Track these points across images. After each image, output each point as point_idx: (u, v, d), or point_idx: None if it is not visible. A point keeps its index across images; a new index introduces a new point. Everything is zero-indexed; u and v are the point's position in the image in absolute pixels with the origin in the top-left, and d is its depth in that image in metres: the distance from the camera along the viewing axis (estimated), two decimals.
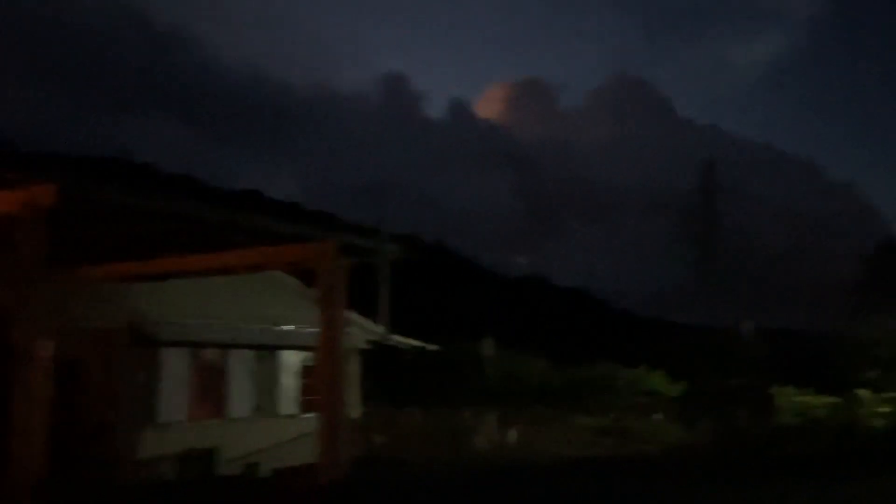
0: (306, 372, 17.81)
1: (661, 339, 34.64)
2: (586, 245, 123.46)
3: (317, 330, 10.89)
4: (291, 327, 17.75)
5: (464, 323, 37.20)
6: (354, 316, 20.31)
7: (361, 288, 23.21)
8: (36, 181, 7.64)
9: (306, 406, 17.54)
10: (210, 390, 16.60)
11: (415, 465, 18.49)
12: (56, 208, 7.86)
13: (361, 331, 20.64)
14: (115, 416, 14.81)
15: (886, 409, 18.92)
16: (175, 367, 15.74)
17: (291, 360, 18.02)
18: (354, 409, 19.94)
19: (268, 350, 17.63)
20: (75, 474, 13.66)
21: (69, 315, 13.87)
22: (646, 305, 75.03)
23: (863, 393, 19.81)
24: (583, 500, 12.05)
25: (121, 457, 14.58)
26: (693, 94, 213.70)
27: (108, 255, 11.69)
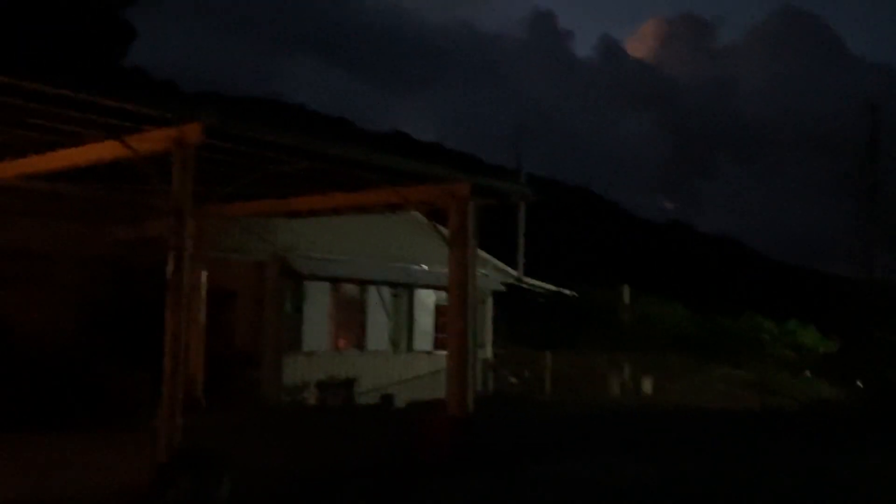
0: (440, 311, 18.18)
1: (815, 290, 32.61)
2: (738, 188, 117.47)
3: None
4: (426, 267, 18.13)
5: (603, 268, 36.61)
6: (489, 258, 20.44)
7: (499, 230, 23.29)
8: (185, 119, 8.11)
9: (440, 343, 17.96)
10: (350, 323, 17.35)
11: (545, 405, 18.62)
12: (202, 145, 8.32)
13: (496, 273, 20.77)
14: (264, 344, 15.81)
15: None
16: (318, 300, 16.53)
17: (426, 298, 18.46)
18: (487, 349, 20.25)
19: (404, 288, 18.13)
20: (227, 396, 14.78)
21: (222, 248, 14.82)
22: (799, 254, 70.88)
23: None
24: (717, 451, 11.71)
25: (268, 381, 15.61)
26: (867, 30, 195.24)
27: (256, 192, 12.28)
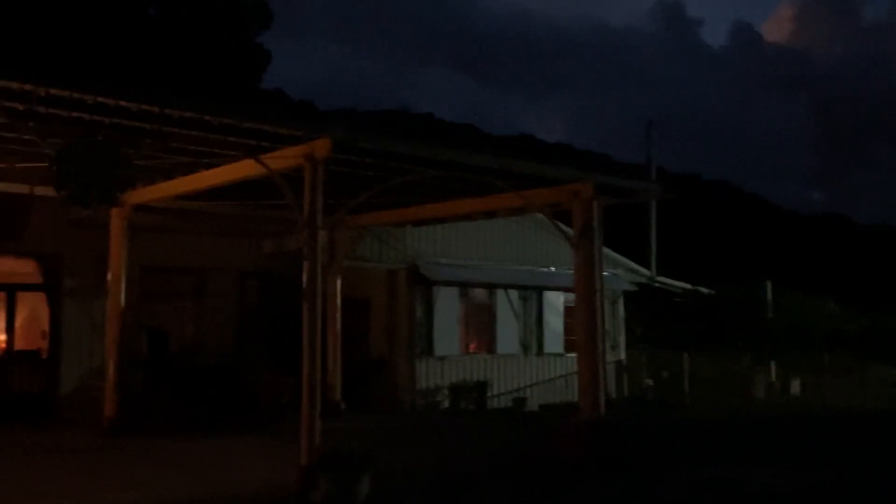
0: (570, 312, 18.02)
1: None
2: None
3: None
4: (553, 268, 18.04)
5: (743, 264, 35.01)
6: (620, 258, 20.06)
7: (631, 229, 22.79)
8: (315, 135, 8.53)
9: (571, 346, 17.80)
10: (480, 328, 17.52)
11: (683, 409, 18.04)
12: (333, 159, 8.71)
13: (627, 273, 20.36)
14: (397, 349, 16.25)
15: None
16: (448, 305, 16.81)
17: (555, 300, 18.35)
18: (620, 350, 19.86)
19: (532, 290, 18.11)
20: (364, 400, 15.30)
21: (355, 257, 15.38)
22: None
23: None
24: (872, 458, 10.96)
25: (402, 386, 16.02)
26: None
27: (385, 202, 12.69)
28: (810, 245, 59.03)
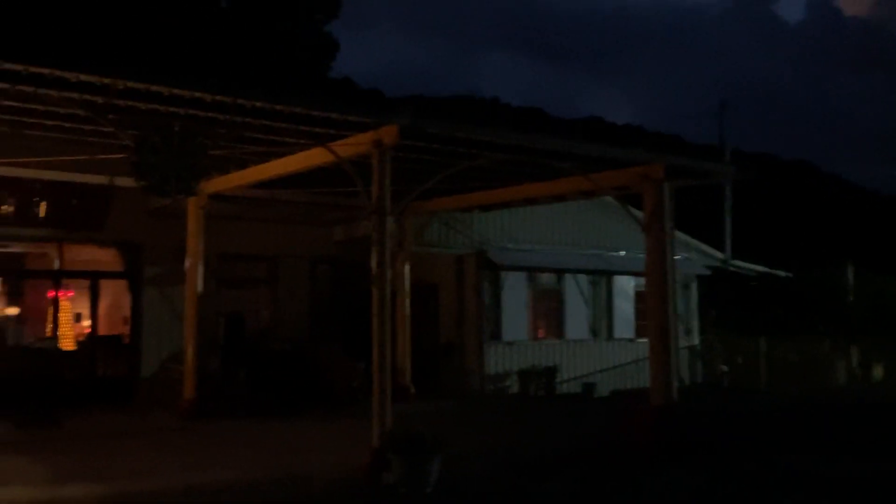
0: (641, 297, 17.75)
1: None
2: None
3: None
4: (624, 252, 17.78)
5: (822, 246, 33.79)
6: (692, 241, 19.63)
7: (705, 211, 22.26)
8: (382, 122, 8.60)
9: (642, 331, 17.54)
10: (548, 313, 17.42)
11: (759, 395, 17.59)
12: (400, 146, 8.77)
13: (700, 256, 19.92)
14: (466, 334, 16.30)
15: None
16: (516, 290, 16.76)
17: (625, 285, 18.09)
18: (694, 335, 19.48)
19: (602, 275, 17.90)
20: (433, 385, 15.43)
21: (423, 243, 15.48)
22: None
23: None
24: None
25: (471, 370, 16.09)
26: None
27: (453, 188, 12.70)
28: (893, 225, 56.54)
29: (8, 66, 6.65)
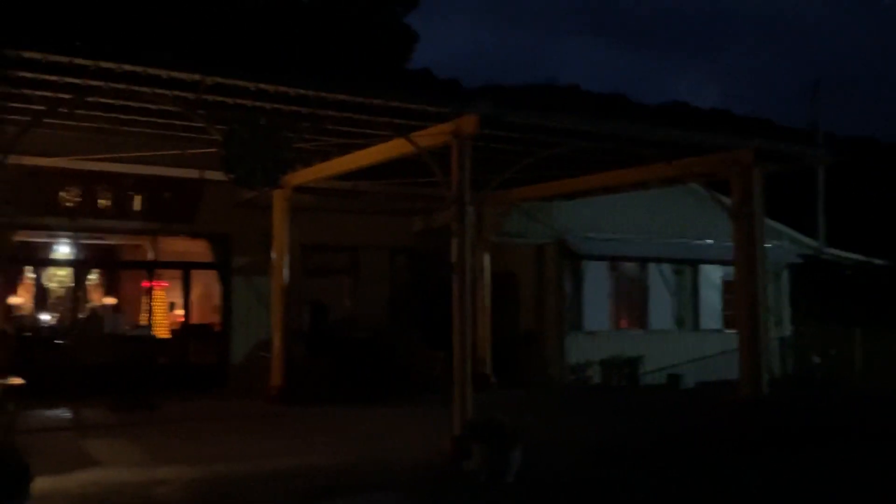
0: (728, 287, 17.24)
1: None
2: None
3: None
4: (710, 241, 17.29)
5: None
6: (783, 228, 18.94)
7: (797, 198, 21.41)
8: (462, 112, 8.61)
9: (730, 321, 17.05)
10: (631, 302, 17.14)
11: (854, 388, 16.86)
12: (480, 135, 8.77)
13: (791, 244, 19.19)
14: (546, 324, 16.21)
15: None
16: (598, 280, 16.55)
17: (712, 274, 17.60)
18: (785, 326, 18.81)
19: (687, 264, 17.47)
20: (513, 374, 15.39)
21: (503, 232, 15.44)
22: None
23: None
24: None
25: (552, 360, 15.98)
26: None
27: (533, 177, 12.63)
28: None
29: (104, 64, 6.95)
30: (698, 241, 17.50)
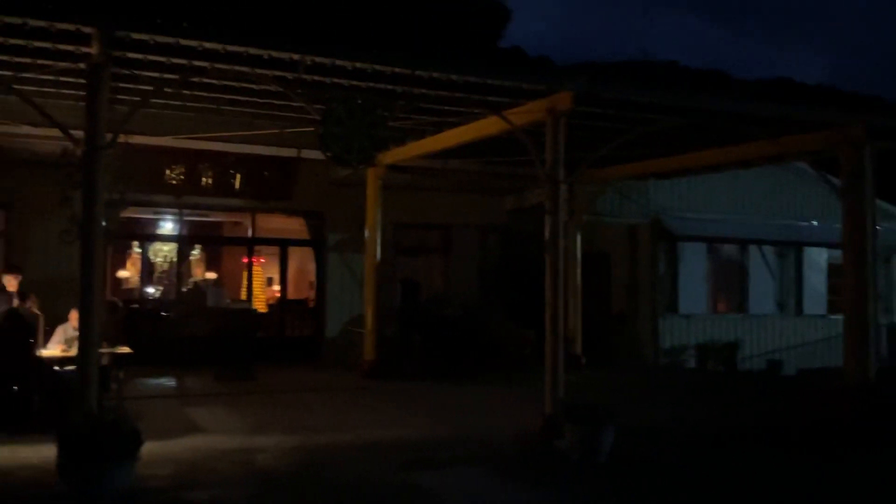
0: (834, 271, 16.49)
1: None
2: None
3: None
4: (815, 222, 16.55)
5: None
6: (894, 210, 17.94)
7: None
8: (556, 89, 8.48)
9: (835, 307, 16.32)
10: (729, 285, 16.62)
11: None
12: (574, 112, 8.63)
13: None
14: (639, 306, 15.91)
15: None
16: (694, 261, 16.11)
17: (817, 257, 16.86)
18: (894, 313, 17.87)
19: (790, 246, 16.79)
20: (604, 356, 15.21)
21: (595, 212, 15.21)
22: None
23: None
24: None
25: (644, 343, 15.69)
26: None
27: (627, 155, 12.36)
28: None
29: (208, 45, 7.17)
30: (803, 223, 16.78)
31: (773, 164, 13.78)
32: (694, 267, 16.01)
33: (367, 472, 6.97)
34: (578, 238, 14.51)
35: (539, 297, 8.75)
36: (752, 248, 16.53)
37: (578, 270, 14.39)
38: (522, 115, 8.95)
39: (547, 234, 8.62)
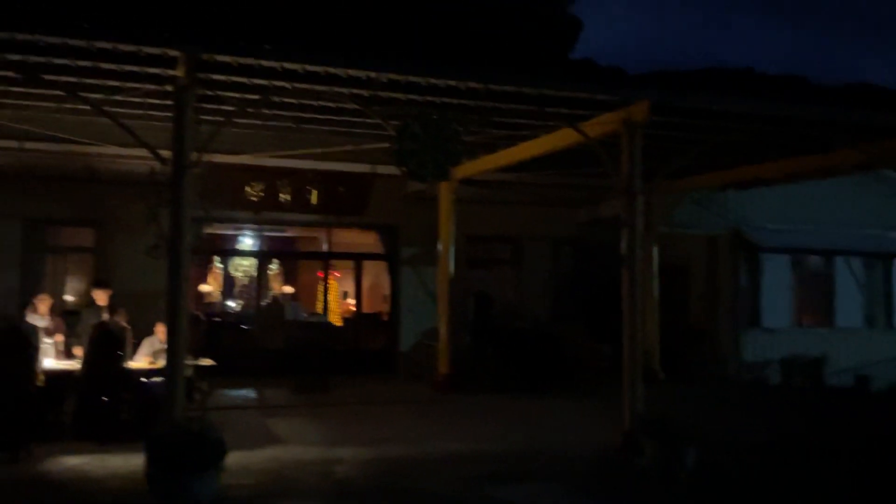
0: None
1: None
2: None
3: None
4: None
5: None
6: None
7: None
8: (632, 99, 8.38)
9: None
10: (814, 298, 16.03)
11: None
12: (649, 123, 8.50)
13: None
14: (719, 319, 15.49)
15: None
16: (777, 273, 15.62)
17: None
18: None
19: (879, 258, 16.10)
20: (683, 370, 14.85)
21: (672, 223, 14.91)
22: None
23: None
24: None
25: (725, 357, 15.26)
26: None
27: (705, 165, 12.11)
28: None
29: (288, 65, 7.37)
30: (893, 233, 16.08)
31: (860, 172, 13.28)
32: (777, 279, 15.52)
33: (445, 484, 6.98)
34: (655, 250, 14.25)
35: (614, 309, 8.63)
36: (839, 260, 15.93)
37: (655, 283, 14.12)
38: (597, 126, 8.88)
39: (623, 246, 8.51)
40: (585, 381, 13.40)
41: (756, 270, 15.43)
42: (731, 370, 15.12)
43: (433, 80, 7.75)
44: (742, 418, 10.99)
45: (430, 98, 8.21)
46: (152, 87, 7.79)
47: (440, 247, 13.14)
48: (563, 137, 9.65)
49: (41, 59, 7.10)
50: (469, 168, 12.14)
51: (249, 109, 8.62)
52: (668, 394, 12.07)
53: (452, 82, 7.81)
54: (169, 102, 7.68)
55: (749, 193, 15.19)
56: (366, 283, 16.10)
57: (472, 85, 7.88)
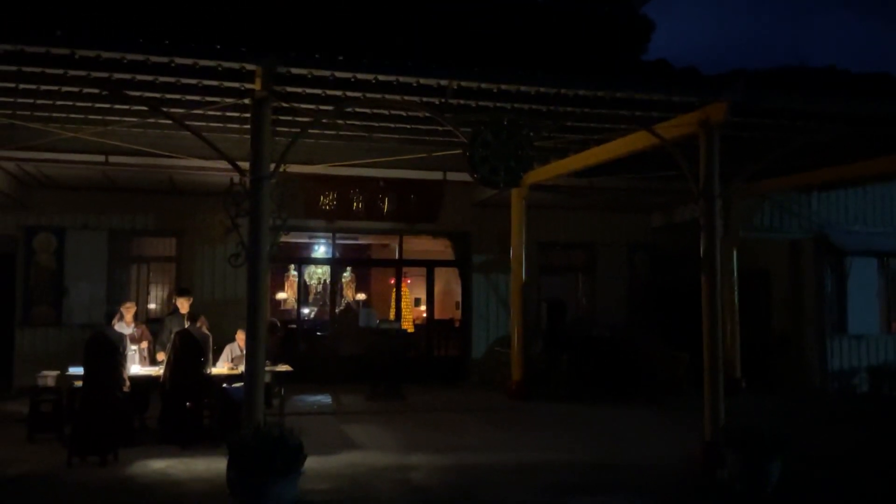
0: None
1: None
2: None
3: None
4: None
5: None
6: None
7: None
8: (709, 100, 8.16)
9: None
10: None
11: None
12: (727, 123, 8.26)
13: None
14: (802, 326, 14.93)
15: None
16: (865, 278, 14.96)
17: None
18: None
19: None
20: (765, 379, 14.37)
21: (752, 227, 14.46)
22: None
23: None
24: None
25: (809, 365, 14.69)
26: None
27: (786, 166, 11.70)
28: None
29: (360, 76, 7.45)
30: None
31: None
32: (864, 284, 14.86)
33: (523, 495, 6.91)
34: (735, 255, 13.84)
35: (692, 316, 8.41)
36: None
37: (736, 289, 13.71)
38: (672, 128, 8.68)
39: (702, 251, 8.28)
40: (662, 390, 13.10)
41: (842, 275, 14.82)
42: (816, 379, 14.54)
43: (504, 86, 7.71)
44: (829, 429, 10.55)
45: (501, 104, 8.18)
46: (231, 100, 7.99)
47: (512, 253, 13.06)
48: (636, 140, 9.47)
49: (125, 76, 7.35)
50: (541, 173, 12.04)
51: (324, 120, 8.75)
52: (751, 404, 11.69)
53: (524, 87, 7.76)
54: (247, 115, 7.86)
55: (834, 195, 14.65)
56: (438, 289, 16.15)
57: (544, 90, 7.81)
